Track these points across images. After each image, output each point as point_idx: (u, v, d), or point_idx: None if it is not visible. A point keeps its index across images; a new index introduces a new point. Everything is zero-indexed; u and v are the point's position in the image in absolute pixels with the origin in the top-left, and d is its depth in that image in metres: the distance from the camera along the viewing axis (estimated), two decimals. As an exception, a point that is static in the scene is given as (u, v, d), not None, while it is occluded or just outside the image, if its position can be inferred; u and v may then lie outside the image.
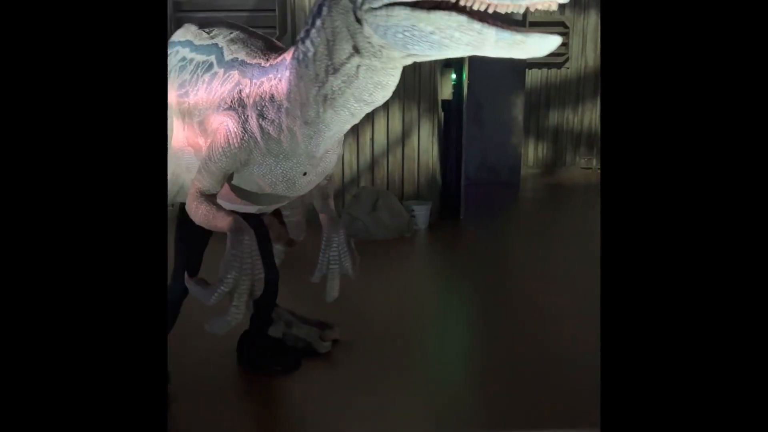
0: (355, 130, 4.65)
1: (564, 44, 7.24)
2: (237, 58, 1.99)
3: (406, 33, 1.35)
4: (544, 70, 7.34)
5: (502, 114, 6.45)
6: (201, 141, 2.04)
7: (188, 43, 2.12)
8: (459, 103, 5.00)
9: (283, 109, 1.78)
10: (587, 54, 7.27)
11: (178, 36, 2.17)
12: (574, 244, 4.55)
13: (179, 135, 2.11)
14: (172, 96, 2.08)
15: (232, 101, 1.92)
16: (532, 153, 7.54)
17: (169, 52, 2.12)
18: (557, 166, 7.53)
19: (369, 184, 4.87)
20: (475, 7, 1.28)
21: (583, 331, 2.96)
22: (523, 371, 2.57)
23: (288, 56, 1.77)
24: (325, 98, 1.64)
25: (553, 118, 7.44)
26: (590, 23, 7.16)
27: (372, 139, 4.91)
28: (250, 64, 1.95)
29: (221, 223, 1.87)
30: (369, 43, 1.47)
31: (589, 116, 7.40)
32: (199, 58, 2.07)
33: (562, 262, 4.10)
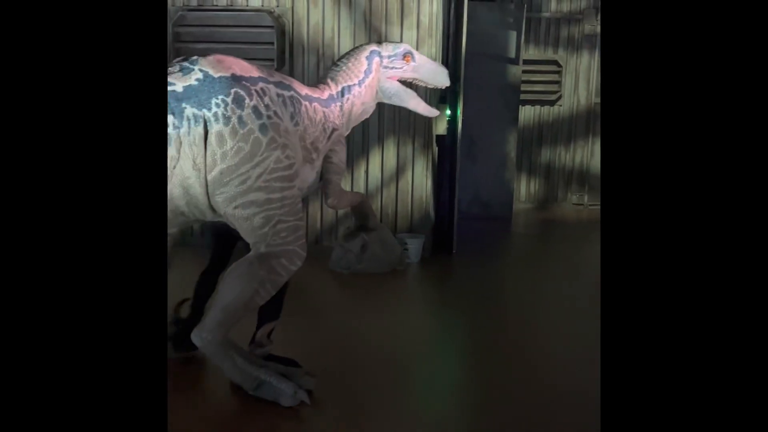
0: (350, 164, 4.68)
1: (557, 82, 7.35)
2: (308, 94, 2.67)
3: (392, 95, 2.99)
4: (537, 107, 7.43)
5: (496, 150, 6.52)
6: (314, 156, 2.69)
7: (266, 81, 2.46)
8: (453, 138, 5.05)
9: (341, 124, 2.85)
10: (579, 92, 7.39)
11: (245, 70, 2.41)
12: (566, 279, 4.56)
13: (300, 155, 2.55)
14: (290, 126, 2.49)
15: (333, 123, 2.78)
16: (525, 188, 7.59)
17: (257, 87, 2.38)
18: (549, 201, 7.59)
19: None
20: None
21: (577, 366, 2.96)
22: (517, 407, 2.55)
23: (331, 92, 2.80)
24: (349, 117, 2.88)
25: (546, 154, 7.52)
26: (582, 62, 7.29)
27: (366, 172, 4.94)
28: (316, 97, 2.71)
29: (356, 197, 3.62)
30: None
31: (581, 153, 7.48)
32: (286, 93, 2.54)
33: (555, 297, 4.11)
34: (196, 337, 2.38)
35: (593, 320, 3.61)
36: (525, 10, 6.47)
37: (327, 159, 2.87)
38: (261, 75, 2.46)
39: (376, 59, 2.92)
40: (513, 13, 6.32)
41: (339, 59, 2.98)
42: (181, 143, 2.23)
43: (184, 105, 2.23)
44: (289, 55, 4.84)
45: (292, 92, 2.57)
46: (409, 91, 3.02)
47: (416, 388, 2.78)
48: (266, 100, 2.39)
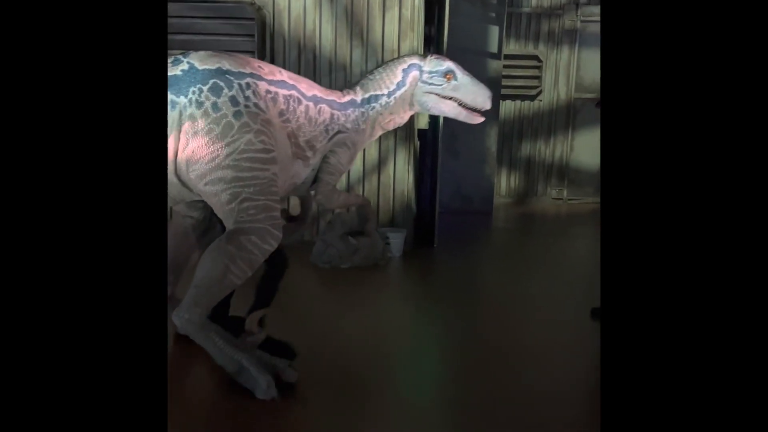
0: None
1: (537, 77, 7.39)
2: (316, 95, 2.73)
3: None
4: (518, 102, 7.47)
5: (477, 144, 6.55)
6: (309, 154, 2.76)
7: (259, 77, 2.52)
8: (435, 133, 5.06)
9: (360, 130, 2.94)
10: (559, 87, 7.44)
11: (236, 66, 2.49)
12: (546, 273, 4.60)
13: (287, 151, 2.64)
14: (277, 120, 2.57)
15: (341, 126, 2.84)
16: (505, 183, 7.64)
17: (242, 81, 2.47)
18: (529, 196, 7.64)
19: (344, 211, 4.87)
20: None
21: (557, 359, 2.98)
22: (497, 400, 2.57)
23: (354, 98, 2.90)
24: (374, 125, 2.99)
25: (526, 149, 7.57)
26: (563, 57, 7.33)
27: (348, 165, 4.93)
28: (328, 99, 2.79)
29: (354, 200, 3.24)
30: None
31: (561, 148, 7.54)
32: (283, 92, 2.60)
33: (535, 290, 4.14)
34: (175, 317, 2.42)
35: (574, 313, 3.65)
36: (506, 5, 6.49)
37: (324, 158, 2.88)
38: (254, 72, 2.52)
39: (414, 73, 2.96)
40: (495, 8, 6.33)
41: (377, 67, 3.03)
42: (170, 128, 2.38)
43: (167, 92, 2.35)
44: (270, 48, 4.81)
45: (292, 92, 2.64)
46: (447, 101, 3.03)
47: (398, 382, 2.79)
48: (248, 93, 2.46)
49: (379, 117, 2.98)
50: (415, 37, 4.78)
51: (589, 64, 7.34)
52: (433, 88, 2.98)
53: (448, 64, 2.98)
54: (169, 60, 2.45)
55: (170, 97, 2.39)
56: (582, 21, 7.26)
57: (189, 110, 2.37)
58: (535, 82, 7.39)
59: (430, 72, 2.96)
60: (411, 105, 3.03)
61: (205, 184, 2.42)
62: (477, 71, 6.36)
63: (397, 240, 4.79)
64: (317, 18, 4.79)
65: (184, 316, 2.41)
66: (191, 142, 2.38)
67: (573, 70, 7.36)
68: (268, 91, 2.54)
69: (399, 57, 3.07)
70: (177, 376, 2.67)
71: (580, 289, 4.10)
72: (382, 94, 2.94)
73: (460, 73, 3.01)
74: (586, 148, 7.46)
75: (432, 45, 5.05)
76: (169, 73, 2.41)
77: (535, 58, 7.32)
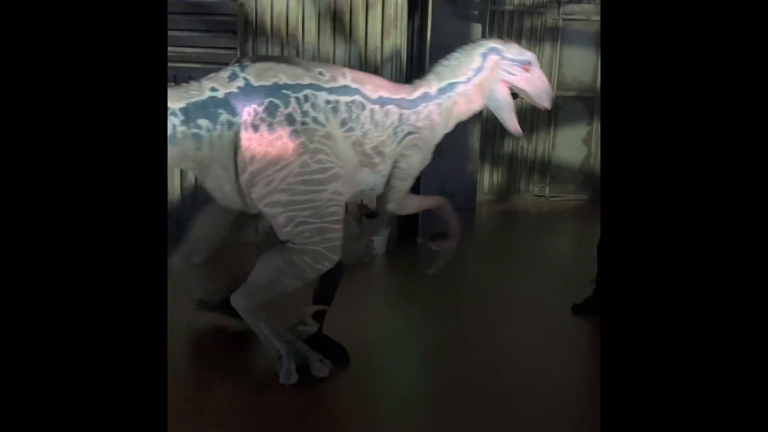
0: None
1: (519, 75, 7.43)
2: (382, 96, 2.62)
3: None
4: (500, 99, 7.50)
5: (460, 142, 6.56)
6: (377, 160, 2.66)
7: (318, 88, 2.48)
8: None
9: (434, 126, 2.77)
10: (541, 85, 7.48)
11: (294, 78, 2.44)
12: (529, 269, 4.63)
13: (352, 161, 2.58)
14: (338, 132, 2.51)
15: (411, 126, 2.69)
16: (488, 180, 7.67)
17: (300, 95, 2.43)
18: (511, 193, 7.68)
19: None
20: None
21: (541, 356, 3.01)
22: (482, 398, 2.59)
23: (427, 90, 2.74)
24: (448, 117, 2.82)
25: (508, 146, 7.60)
26: (545, 55, 7.37)
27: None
28: (396, 99, 2.66)
29: (429, 203, 3.04)
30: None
31: (543, 145, 7.58)
32: (345, 99, 2.53)
33: (518, 286, 4.17)
34: (232, 298, 2.60)
35: (557, 310, 3.68)
36: (489, 3, 6.51)
37: (395, 163, 2.74)
38: (313, 82, 2.47)
39: (493, 57, 2.81)
40: (477, 6, 6.35)
41: (451, 53, 2.86)
42: (212, 146, 2.39)
43: (220, 111, 2.37)
44: (253, 45, 4.78)
45: (355, 97, 2.55)
46: (511, 102, 2.92)
47: (381, 379, 2.79)
48: (306, 107, 2.43)
49: (455, 107, 2.82)
50: (399, 35, 4.78)
51: (571, 62, 7.38)
52: (509, 77, 2.84)
53: (531, 55, 2.86)
54: (225, 73, 2.44)
55: (226, 116, 2.38)
56: (564, 19, 7.31)
57: (245, 134, 2.36)
58: (517, 80, 7.43)
59: (512, 59, 2.83)
60: (486, 94, 2.86)
61: (264, 206, 2.46)
62: (460, 69, 6.40)
63: (380, 237, 4.79)
64: (300, 14, 4.78)
65: (238, 300, 2.57)
66: (249, 165, 2.39)
67: (555, 68, 7.40)
68: (327, 102, 2.48)
69: (473, 42, 2.90)
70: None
71: (562, 285, 4.14)
72: (460, 82, 2.79)
73: (536, 66, 2.88)
74: (568, 145, 7.51)
75: (415, 43, 5.06)
76: (225, 90, 2.39)
77: (518, 55, 7.36)
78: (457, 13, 6.22)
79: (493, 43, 2.84)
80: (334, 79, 2.53)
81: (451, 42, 6.09)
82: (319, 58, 4.83)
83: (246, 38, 4.75)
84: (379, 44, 4.83)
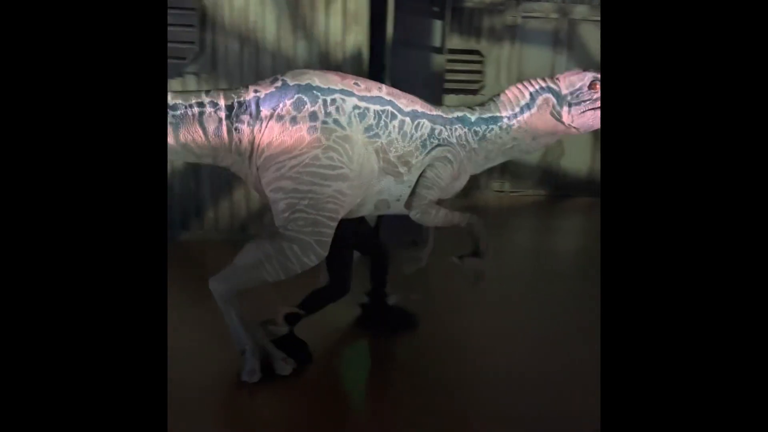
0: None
1: (479, 72, 7.49)
2: (416, 110, 2.71)
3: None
4: (461, 95, 7.55)
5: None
6: (402, 170, 2.72)
7: (349, 93, 2.57)
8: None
9: (468, 147, 2.83)
10: (501, 81, 7.55)
11: (326, 83, 2.57)
12: (491, 265, 4.67)
13: (372, 166, 2.64)
14: (360, 136, 2.58)
15: (441, 140, 2.75)
16: (449, 176, 7.72)
17: (328, 98, 2.54)
18: (471, 189, 7.75)
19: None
20: None
21: (504, 347, 3.04)
22: (449, 392, 2.61)
23: (469, 114, 2.82)
24: (491, 147, 2.92)
25: (469, 142, 7.67)
26: (504, 52, 7.45)
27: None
28: (431, 114, 2.75)
29: (459, 218, 2.92)
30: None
31: (503, 141, 7.67)
32: (375, 107, 2.61)
33: (480, 282, 4.20)
34: (210, 281, 2.64)
35: (520, 307, 3.74)
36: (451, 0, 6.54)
37: (422, 173, 2.78)
38: (346, 89, 2.57)
39: (545, 96, 2.78)
40: (438, 2, 6.37)
41: (512, 86, 2.87)
42: (252, 139, 2.54)
43: (261, 108, 2.53)
44: (212, 39, 4.71)
45: (387, 107, 2.64)
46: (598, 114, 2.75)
47: (349, 376, 2.80)
48: (330, 108, 2.53)
49: (499, 140, 2.82)
50: (360, 31, 4.77)
51: (530, 59, 7.48)
52: (587, 104, 2.73)
53: (589, 75, 2.75)
54: (269, 79, 2.60)
55: (265, 112, 2.50)
56: (523, 17, 7.40)
57: (271, 122, 2.49)
58: (477, 77, 7.49)
59: (573, 92, 2.75)
60: (550, 131, 2.81)
61: (270, 191, 2.55)
62: (420, 66, 6.42)
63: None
64: (260, 9, 4.72)
65: (217, 283, 2.62)
66: (265, 150, 2.51)
67: (515, 65, 7.49)
68: (356, 107, 2.56)
69: (531, 79, 2.85)
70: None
71: (522, 279, 4.20)
72: (501, 117, 2.81)
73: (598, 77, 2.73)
74: (526, 141, 7.62)
75: (376, 39, 5.05)
76: (265, 91, 2.53)
77: (477, 53, 7.41)
78: (419, 9, 6.24)
79: (547, 83, 2.81)
80: (368, 89, 2.63)
81: (412, 38, 6.14)
82: (279, 54, 4.78)
83: (204, 32, 4.67)
84: (340, 40, 4.81)
